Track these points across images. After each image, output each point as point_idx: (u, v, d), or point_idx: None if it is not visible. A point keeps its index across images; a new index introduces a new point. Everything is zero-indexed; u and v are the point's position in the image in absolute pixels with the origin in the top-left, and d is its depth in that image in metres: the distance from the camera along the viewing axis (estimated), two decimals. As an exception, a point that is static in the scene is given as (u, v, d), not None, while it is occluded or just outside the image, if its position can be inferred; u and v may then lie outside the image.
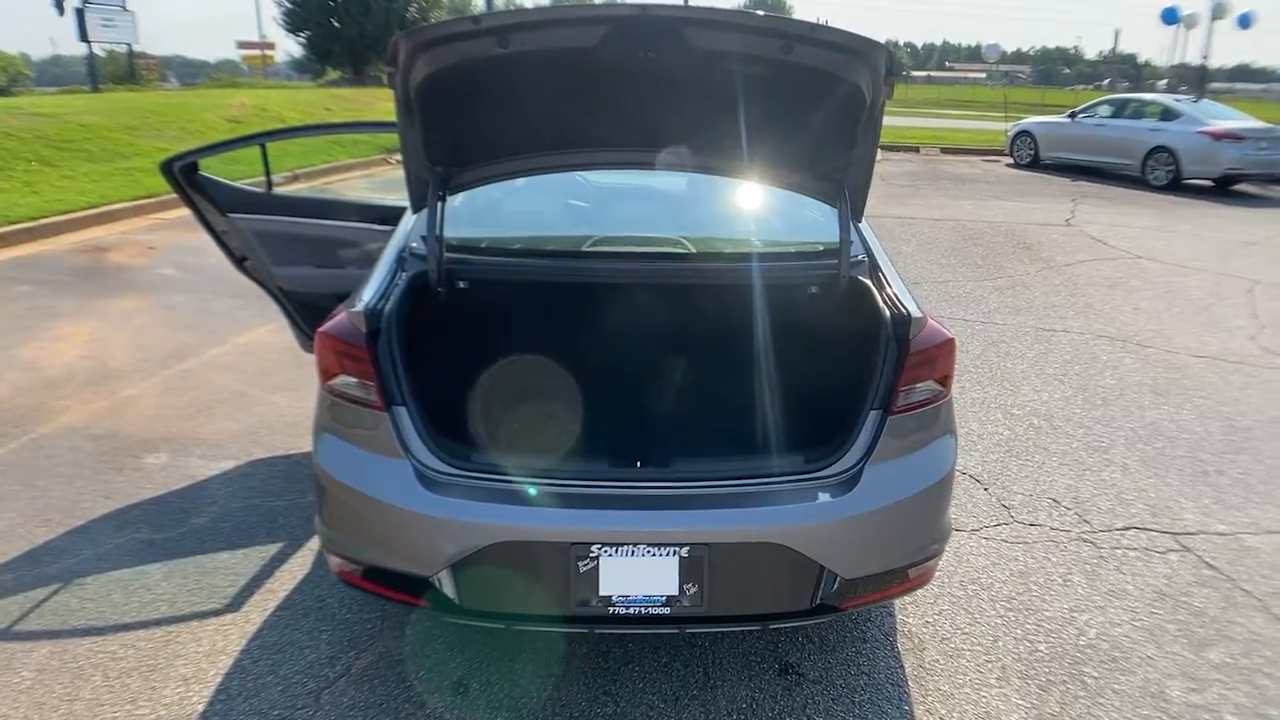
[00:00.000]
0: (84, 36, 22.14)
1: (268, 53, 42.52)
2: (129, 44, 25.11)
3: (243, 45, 42.95)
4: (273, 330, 5.57)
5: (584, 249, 2.65)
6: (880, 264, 2.55)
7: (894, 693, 2.47)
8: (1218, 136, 13.16)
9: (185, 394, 4.51)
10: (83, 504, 3.37)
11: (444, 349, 2.35)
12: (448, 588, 2.06)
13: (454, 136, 2.32)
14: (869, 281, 2.47)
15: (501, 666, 2.48)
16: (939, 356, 2.30)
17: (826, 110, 2.25)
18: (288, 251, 3.63)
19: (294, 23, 25.07)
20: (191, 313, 5.94)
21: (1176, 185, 13.48)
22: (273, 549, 3.08)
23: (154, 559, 3.00)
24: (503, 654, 2.52)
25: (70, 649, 2.53)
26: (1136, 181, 13.92)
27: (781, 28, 1.98)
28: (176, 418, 4.20)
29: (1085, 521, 3.50)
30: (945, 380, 2.34)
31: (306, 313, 3.73)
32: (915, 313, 2.26)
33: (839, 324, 2.52)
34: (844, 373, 2.39)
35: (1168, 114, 14.13)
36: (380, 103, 18.46)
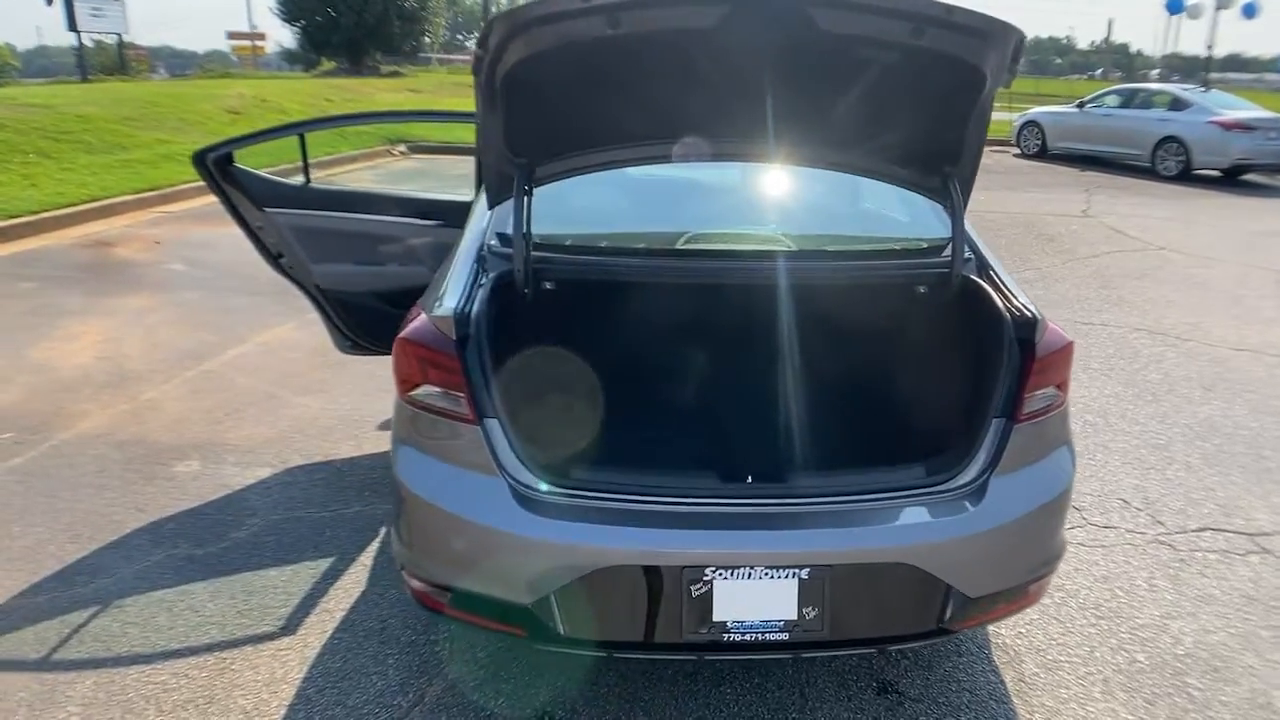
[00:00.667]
0: (73, 26, 21.73)
1: (258, 43, 42.00)
2: (119, 34, 24.69)
3: (232, 36, 42.40)
4: (295, 328, 5.38)
5: (678, 246, 2.47)
6: (989, 261, 2.39)
7: (999, 710, 2.35)
8: (1228, 127, 13.06)
9: (210, 396, 4.31)
10: (114, 517, 3.18)
11: (530, 356, 2.18)
12: (548, 616, 1.89)
13: (542, 125, 2.15)
14: (982, 280, 2.32)
15: (586, 693, 2.32)
16: (1061, 361, 2.16)
17: (944, 98, 2.10)
18: (326, 248, 3.44)
19: (291, 12, 24.68)
20: (206, 310, 5.74)
21: (1186, 175, 13.39)
22: (323, 565, 2.91)
23: (197, 577, 2.82)
24: (586, 679, 2.36)
25: (117, 679, 2.36)
26: (1145, 172, 13.82)
27: (916, 9, 1.82)
28: (204, 422, 4.01)
29: (1159, 523, 3.38)
30: (1063, 386, 2.20)
31: (345, 312, 3.54)
32: (1037, 314, 2.12)
33: (952, 326, 2.36)
34: (960, 378, 2.24)
35: (1177, 104, 14.02)
36: (380, 93, 18.20)
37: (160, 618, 2.61)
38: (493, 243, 2.30)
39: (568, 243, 2.39)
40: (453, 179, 12.34)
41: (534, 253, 2.24)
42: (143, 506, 3.26)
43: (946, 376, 2.34)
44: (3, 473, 3.51)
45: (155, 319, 5.54)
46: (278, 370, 4.69)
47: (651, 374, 2.49)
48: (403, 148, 14.64)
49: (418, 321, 2.07)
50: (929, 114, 2.17)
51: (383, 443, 3.83)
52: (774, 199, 2.99)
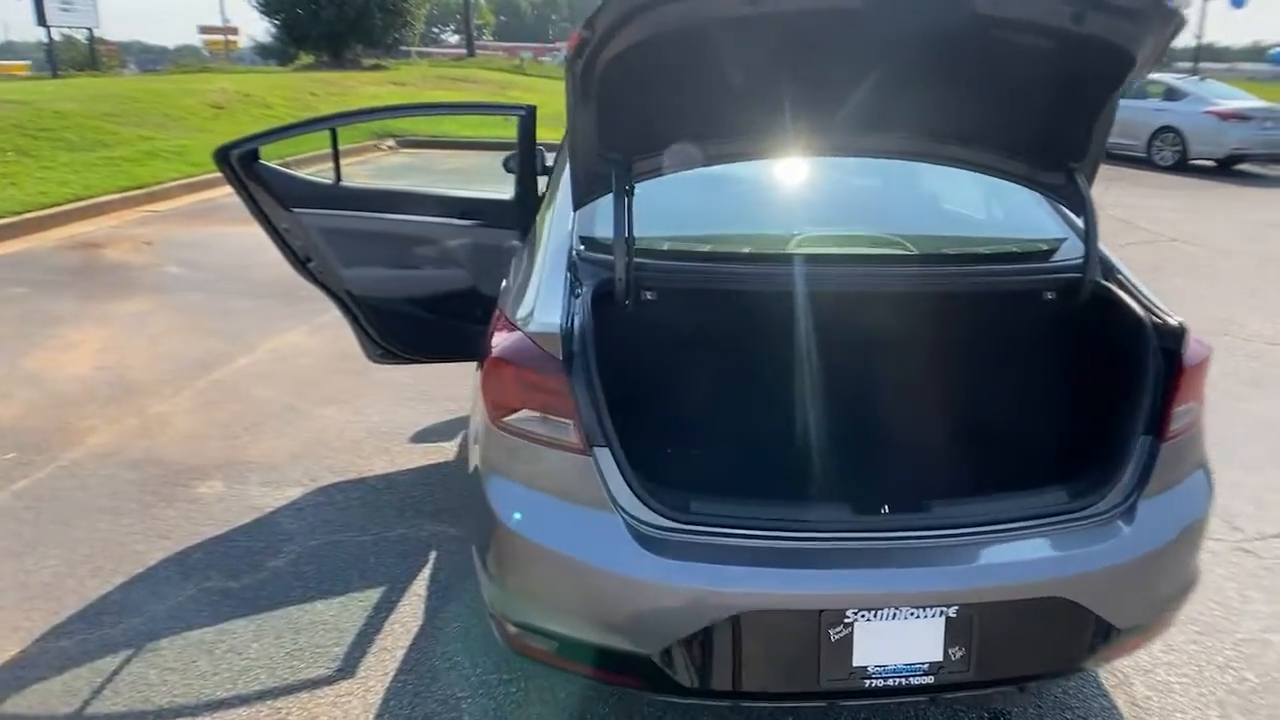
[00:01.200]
0: (42, 20, 21.08)
1: (231, 38, 41.22)
2: (89, 28, 24.02)
3: (205, 30, 41.60)
4: (307, 333, 5.12)
5: (790, 250, 2.25)
6: (1115, 263, 2.21)
7: (1118, 739, 2.19)
8: (1224, 116, 13.05)
9: (223, 409, 4.05)
10: (135, 547, 2.92)
11: (631, 374, 1.96)
12: (671, 666, 1.69)
13: (643, 118, 1.93)
14: (1113, 285, 2.14)
15: (685, 741, 2.12)
16: (1202, 374, 2.00)
17: (1084, 87, 1.93)
18: (357, 251, 3.19)
19: (270, 5, 24.08)
20: (209, 315, 5.45)
21: (1182, 165, 13.37)
22: (373, 595, 2.67)
23: (236, 613, 2.58)
24: (683, 723, 2.16)
25: (161, 735, 2.12)
26: (1141, 162, 13.78)
27: None
28: (221, 438, 3.75)
29: (1236, 529, 3.24)
30: (1201, 401, 2.03)
31: (378, 319, 3.30)
32: (1182, 323, 1.94)
33: (1085, 335, 2.18)
34: (1098, 393, 2.06)
35: (1172, 94, 13.99)
36: (364, 87, 17.79)
37: (201, 662, 2.37)
38: (580, 248, 2.07)
39: (665, 247, 2.16)
40: (444, 174, 12.06)
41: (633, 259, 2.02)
42: (166, 534, 3.00)
43: (1082, 391, 2.15)
44: (8, 498, 3.24)
45: (155, 325, 5.25)
46: (294, 379, 4.43)
47: (765, 393, 2.28)
48: (391, 142, 14.30)
49: (513, 339, 1.84)
50: (1063, 104, 1.99)
51: (418, 457, 3.59)
52: (882, 196, 2.77)
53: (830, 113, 2.01)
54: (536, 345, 1.79)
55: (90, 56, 23.76)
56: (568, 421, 1.74)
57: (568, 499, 1.75)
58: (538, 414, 1.77)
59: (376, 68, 23.15)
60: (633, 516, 1.74)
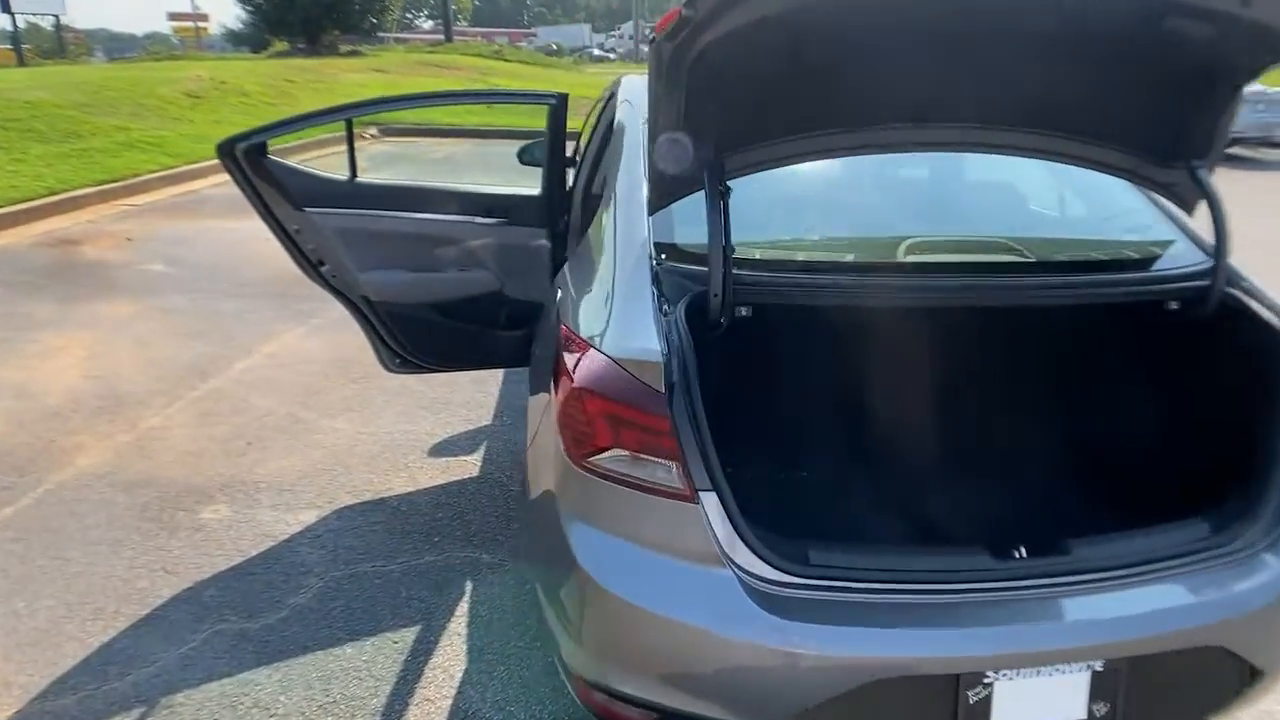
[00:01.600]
0: (6, 8, 20.35)
1: (201, 24, 40.17)
2: (56, 15, 23.26)
3: (174, 17, 40.53)
4: (303, 335, 4.82)
5: (901, 259, 2.00)
6: (1237, 270, 2.00)
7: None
8: (1219, 99, 12.98)
9: (223, 422, 3.76)
10: (139, 583, 2.65)
11: (723, 404, 1.72)
12: None
13: (736, 109, 1.67)
14: (1240, 292, 1.93)
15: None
16: None
17: (1228, 78, 1.71)
18: (375, 253, 2.92)
19: (247, -9, 23.43)
20: (199, 317, 5.13)
21: (1178, 149, 13.31)
22: (407, 636, 2.43)
23: (257, 660, 2.32)
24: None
25: (185, 812, 1.87)
26: (1136, 146, 13.72)
27: None
28: (223, 454, 3.47)
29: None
30: None
31: (398, 326, 3.03)
32: None
33: (1211, 348, 1.97)
34: (1229, 412, 1.85)
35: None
36: (345, 74, 17.31)
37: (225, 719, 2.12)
38: (662, 256, 1.81)
39: (757, 255, 1.91)
40: (434, 163, 11.70)
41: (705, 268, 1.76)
42: (171, 567, 2.73)
43: (1212, 410, 1.94)
44: (-8, 528, 2.95)
45: (143, 329, 4.93)
46: (296, 387, 4.14)
47: (875, 422, 2.05)
48: (374, 131, 13.89)
49: (600, 365, 1.58)
50: (1197, 96, 1.78)
51: (439, 474, 3.34)
52: (980, 194, 2.53)
53: (947, 106, 1.78)
54: (631, 374, 1.54)
55: (57, 44, 22.98)
56: (670, 464, 1.50)
57: (670, 552, 1.51)
58: (632, 454, 1.53)
59: (354, 54, 22.58)
60: (746, 571, 1.51)
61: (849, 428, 2.06)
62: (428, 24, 51.87)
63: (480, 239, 3.04)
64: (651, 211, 1.82)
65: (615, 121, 2.51)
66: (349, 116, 2.81)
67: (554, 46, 47.35)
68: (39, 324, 4.99)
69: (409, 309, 3.01)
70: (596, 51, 53.24)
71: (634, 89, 2.77)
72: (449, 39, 32.70)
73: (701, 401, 1.53)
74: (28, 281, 5.85)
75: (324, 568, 2.73)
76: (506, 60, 25.15)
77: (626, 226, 1.92)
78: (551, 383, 1.79)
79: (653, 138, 1.70)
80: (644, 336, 1.59)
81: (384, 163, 11.33)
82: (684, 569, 1.52)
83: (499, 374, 4.19)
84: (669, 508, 1.52)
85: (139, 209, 8.21)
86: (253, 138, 2.66)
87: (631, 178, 2.05)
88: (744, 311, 1.74)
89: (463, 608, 2.57)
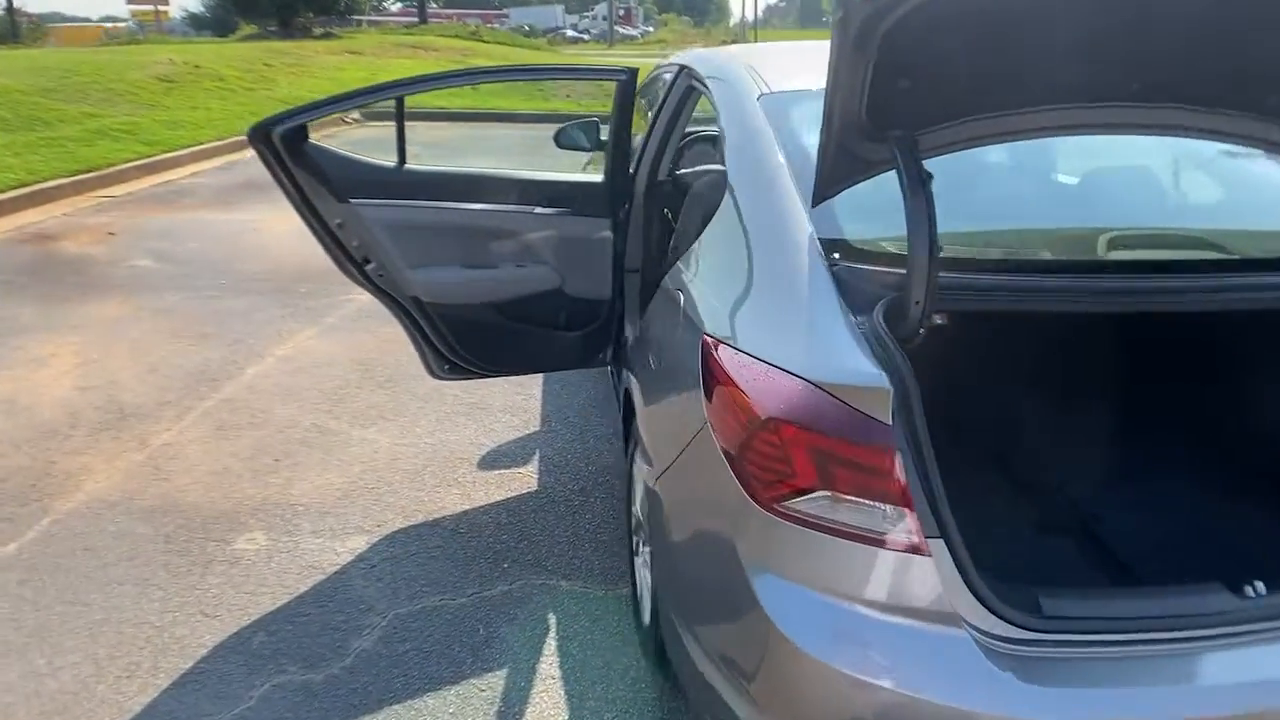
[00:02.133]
0: (-45, -11, 19.39)
1: (161, 8, 38.86)
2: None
3: (132, 0, 39.15)
4: (316, 335, 4.47)
5: (1102, 255, 1.71)
6: None
7: None
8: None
9: (244, 435, 3.42)
10: (176, 630, 2.33)
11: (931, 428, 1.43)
12: None
13: (936, 83, 1.38)
14: None
15: None
16: None
17: None
18: (426, 248, 2.60)
19: (217, -27, 22.51)
20: (199, 317, 4.75)
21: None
22: (495, 682, 2.13)
23: (326, 718, 2.02)
24: None
25: None
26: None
27: None
28: (249, 474, 3.13)
29: None
30: None
31: (452, 330, 2.71)
32: None
33: None
34: None
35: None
36: (322, 56, 16.69)
37: (299, 800, 1.81)
38: (835, 255, 1.51)
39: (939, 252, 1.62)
40: (425, 146, 11.24)
41: (893, 270, 1.46)
42: (211, 609, 2.41)
43: None
44: (-3, 568, 2.61)
45: (138, 331, 4.54)
46: (318, 393, 3.80)
47: (1082, 441, 1.77)
48: (355, 114, 13.37)
49: (803, 393, 1.27)
50: None
51: (494, 488, 3.03)
52: (1170, 180, 2.23)
53: (1164, 85, 1.49)
54: (846, 403, 1.25)
55: (10, 28, 22.00)
56: (895, 509, 1.22)
57: (891, 611, 1.24)
58: (845, 497, 1.24)
59: (328, 36, 21.88)
60: (979, 629, 1.24)
61: (1057, 450, 1.79)
62: (395, 5, 50.62)
63: (540, 231, 2.73)
64: (816, 202, 1.52)
65: (714, 103, 2.19)
66: (400, 94, 2.47)
67: (526, 28, 46.50)
68: (22, 328, 4.58)
69: (464, 310, 2.70)
70: (570, 33, 52.34)
71: (719, 64, 2.45)
72: (424, 20, 31.90)
73: (928, 431, 1.25)
74: (5, 281, 5.41)
75: (385, 603, 2.42)
76: (484, 41, 24.54)
77: (776, 220, 1.61)
78: (704, 404, 1.50)
79: (829, 116, 1.40)
80: (855, 356, 1.29)
81: (372, 148, 10.85)
82: (908, 630, 1.25)
83: (538, 375, 3.89)
84: (891, 560, 1.24)
85: (117, 200, 7.72)
86: (292, 120, 2.32)
87: (765, 165, 1.74)
88: (939, 320, 1.45)
89: (550, 645, 2.28)
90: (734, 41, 48.79)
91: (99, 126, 9.34)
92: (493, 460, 3.22)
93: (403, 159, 2.57)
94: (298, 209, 2.49)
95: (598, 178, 2.82)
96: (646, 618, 2.13)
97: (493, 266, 2.71)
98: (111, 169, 8.33)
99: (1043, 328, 1.67)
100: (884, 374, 1.25)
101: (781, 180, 1.66)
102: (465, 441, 3.35)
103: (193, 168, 9.29)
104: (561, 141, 3.83)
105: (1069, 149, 2.11)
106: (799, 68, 2.30)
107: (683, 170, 2.89)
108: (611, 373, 3.18)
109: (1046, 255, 1.76)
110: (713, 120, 2.24)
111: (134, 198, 7.90)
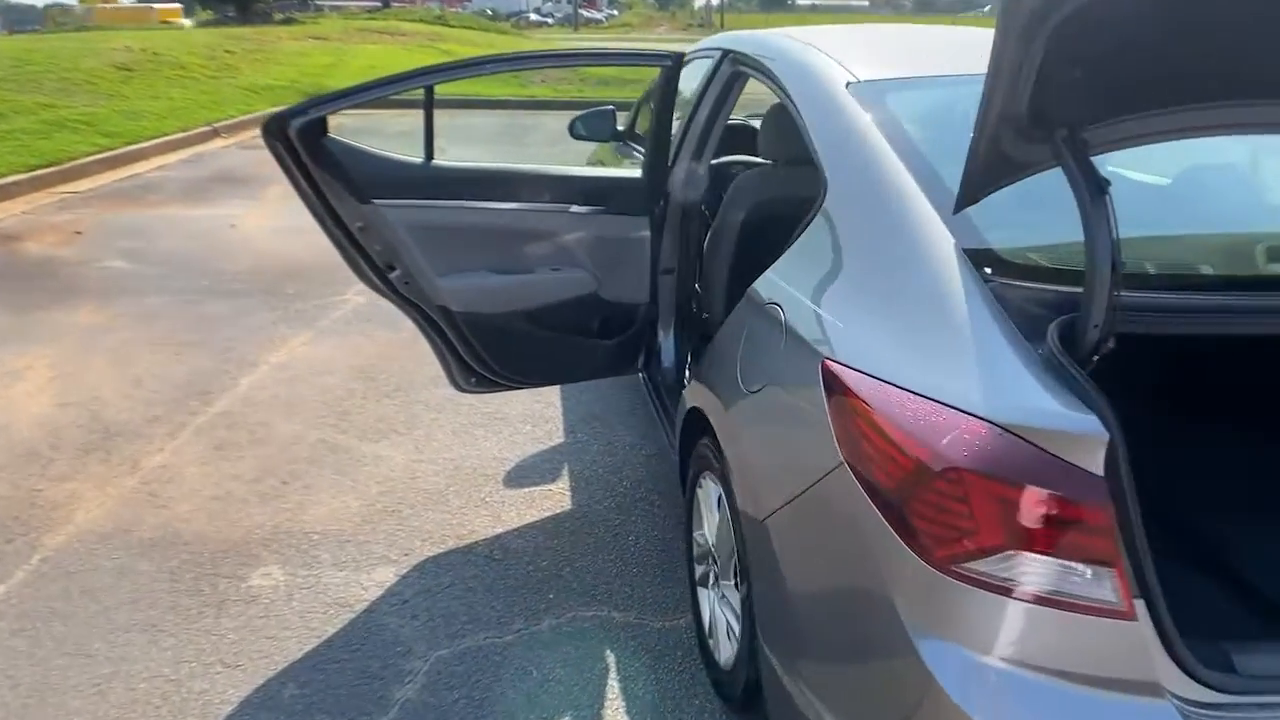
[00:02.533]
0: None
1: (112, -8, 37.53)
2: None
3: (80, -16, 37.72)
4: (310, 340, 4.21)
5: (1265, 269, 1.54)
6: None
7: None
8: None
9: (245, 455, 3.17)
10: (194, 684, 2.10)
11: None
12: None
13: (1103, 75, 1.19)
14: None
15: None
16: None
17: None
18: (456, 252, 2.37)
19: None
20: (181, 322, 4.45)
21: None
22: (559, 737, 1.95)
23: (377, 788, 1.82)
24: None
25: None
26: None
27: None
28: (256, 498, 2.89)
29: None
30: None
31: (485, 340, 2.49)
32: None
33: None
34: None
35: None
36: (285, 41, 16.12)
37: None
38: (988, 270, 1.32)
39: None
40: (394, 137, 10.88)
41: (1054, 288, 1.28)
42: (231, 658, 2.18)
43: None
44: (-17, 616, 2.35)
45: (116, 340, 4.24)
46: (321, 405, 3.55)
47: (1238, 474, 1.61)
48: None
49: (986, 437, 1.09)
50: None
51: (525, 508, 2.83)
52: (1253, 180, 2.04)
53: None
54: (1047, 452, 1.07)
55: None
56: (1102, 569, 1.06)
57: (1088, 682, 1.07)
58: (1042, 557, 1.07)
59: (289, 21, 21.19)
60: (1179, 697, 1.08)
61: (1194, 481, 1.63)
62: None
63: (576, 231, 2.52)
64: (959, 207, 1.33)
65: (786, 91, 1.99)
66: (431, 82, 2.23)
67: (489, 12, 45.69)
68: (-10, 339, 4.26)
69: (496, 320, 2.48)
70: (534, 16, 51.54)
71: (778, 48, 2.24)
72: (387, 4, 31.14)
73: (1130, 479, 1.07)
74: (-34, 287, 5.04)
75: (424, 645, 2.21)
76: (451, 26, 24.00)
77: (904, 228, 1.42)
78: (834, 439, 1.31)
79: (986, 111, 1.21)
80: (1049, 394, 1.11)
81: (343, 136, 10.48)
82: (1111, 705, 1.08)
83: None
84: (1093, 626, 1.08)
85: (81, 196, 7.31)
86: (309, 112, 2.08)
87: (878, 164, 1.55)
88: (1111, 344, 1.28)
89: (611, 687, 2.09)
90: (700, 26, 48.31)
91: (55, 118, 8.86)
92: (519, 477, 3.01)
93: (430, 154, 2.34)
94: (315, 212, 2.24)
95: (635, 173, 2.62)
96: (724, 657, 1.95)
97: (527, 271, 2.50)
98: (72, 163, 7.89)
99: (1191, 347, 1.51)
100: (1095, 416, 1.08)
101: (903, 182, 1.48)
102: (487, 456, 3.14)
103: (158, 160, 8.86)
104: (575, 132, 3.61)
105: (1183, 148, 1.94)
106: (869, 53, 2.11)
107: (726, 160, 2.70)
108: (644, 380, 2.99)
109: (1207, 269, 1.59)
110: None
111: (98, 193, 7.49)
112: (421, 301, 2.42)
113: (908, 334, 1.31)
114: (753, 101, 2.88)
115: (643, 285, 2.65)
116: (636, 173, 2.61)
